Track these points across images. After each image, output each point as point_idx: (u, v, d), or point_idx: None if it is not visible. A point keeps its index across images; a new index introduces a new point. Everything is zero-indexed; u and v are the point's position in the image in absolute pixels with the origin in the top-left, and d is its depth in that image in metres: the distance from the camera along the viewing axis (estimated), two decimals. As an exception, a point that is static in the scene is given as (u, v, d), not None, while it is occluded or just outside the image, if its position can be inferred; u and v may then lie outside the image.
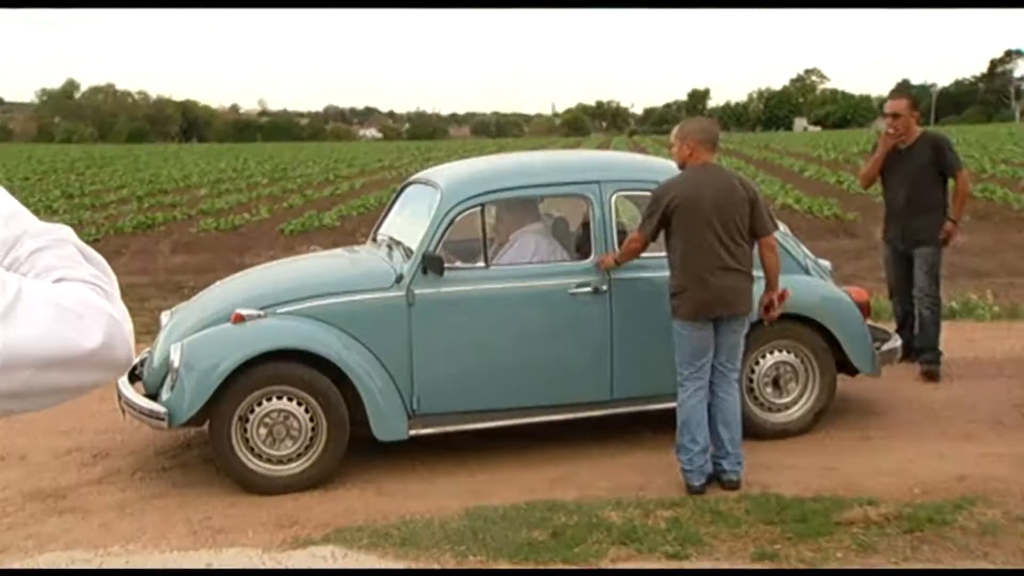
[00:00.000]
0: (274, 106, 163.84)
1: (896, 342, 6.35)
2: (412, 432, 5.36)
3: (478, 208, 5.51)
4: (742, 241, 4.99)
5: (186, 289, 11.10)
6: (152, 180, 30.69)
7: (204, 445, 5.75)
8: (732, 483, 4.99)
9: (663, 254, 5.50)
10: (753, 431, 5.50)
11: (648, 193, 5.61)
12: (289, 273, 6.31)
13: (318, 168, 37.00)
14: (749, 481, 5.03)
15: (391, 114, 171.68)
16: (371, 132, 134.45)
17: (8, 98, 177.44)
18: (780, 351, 5.81)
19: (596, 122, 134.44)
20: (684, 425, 5.01)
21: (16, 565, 4.35)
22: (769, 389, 5.79)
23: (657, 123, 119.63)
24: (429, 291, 5.36)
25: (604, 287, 5.53)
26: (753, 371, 5.77)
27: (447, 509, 4.80)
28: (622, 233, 5.67)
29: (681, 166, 5.17)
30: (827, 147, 39.65)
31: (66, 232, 1.34)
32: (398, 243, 5.72)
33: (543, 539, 4.43)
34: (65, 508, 4.97)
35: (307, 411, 5.23)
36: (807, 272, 5.98)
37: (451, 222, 5.43)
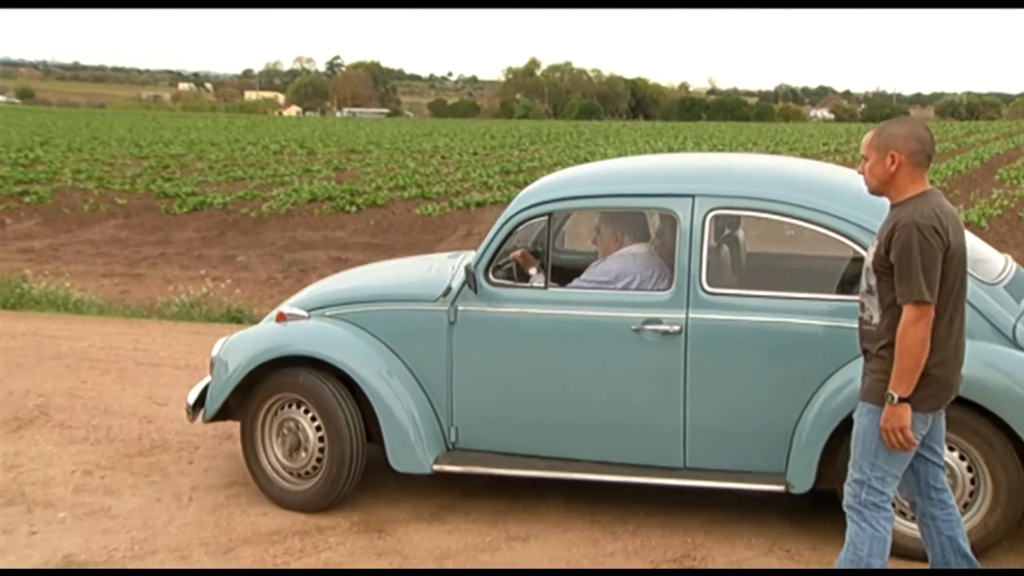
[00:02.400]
0: (724, 84, 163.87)
1: None
2: (436, 467, 4.75)
3: (543, 218, 4.77)
4: None
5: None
6: (587, 158, 31.23)
7: (555, 490, 5.05)
8: None
9: (766, 292, 4.47)
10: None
11: (760, 215, 4.58)
12: (364, 275, 5.96)
13: (757, 150, 35.77)
14: None
15: (846, 94, 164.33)
16: (822, 113, 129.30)
17: (481, 76, 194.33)
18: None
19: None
20: (875, 564, 3.52)
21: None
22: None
23: None
24: (473, 309, 4.75)
25: (678, 328, 4.44)
26: None
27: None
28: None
29: (877, 191, 3.54)
30: None
31: None
32: None
33: None
34: (386, 549, 4.53)
35: (315, 421, 4.89)
36: (1013, 340, 4.20)
37: (510, 232, 4.79)
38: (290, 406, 4.94)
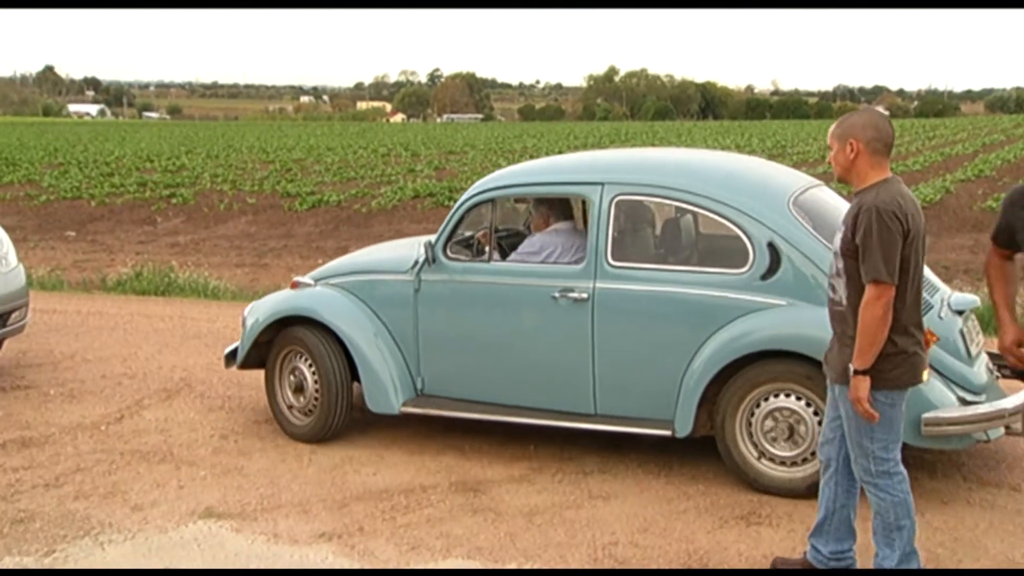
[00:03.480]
0: (786, 86, 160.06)
1: (1008, 402, 4.31)
2: (403, 409, 5.12)
3: (488, 203, 5.09)
4: None
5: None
6: (661, 156, 30.82)
7: (632, 453, 5.01)
8: None
9: (660, 266, 4.71)
10: (748, 483, 4.56)
11: (655, 199, 4.81)
12: (364, 252, 6.26)
13: (816, 146, 34.87)
14: None
15: (900, 92, 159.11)
16: (878, 111, 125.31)
17: (566, 83, 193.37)
18: (784, 395, 4.44)
19: None
20: (906, 525, 3.41)
21: (419, 566, 3.91)
22: (773, 437, 4.49)
23: None
24: (432, 279, 5.12)
25: (586, 296, 4.69)
26: (753, 414, 4.50)
27: None
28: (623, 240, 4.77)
29: (842, 178, 3.41)
30: None
31: None
32: None
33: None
34: (481, 506, 4.51)
35: (313, 370, 5.30)
36: None
37: (462, 216, 5.11)
38: (297, 356, 5.38)
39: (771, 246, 4.45)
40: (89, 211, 19.83)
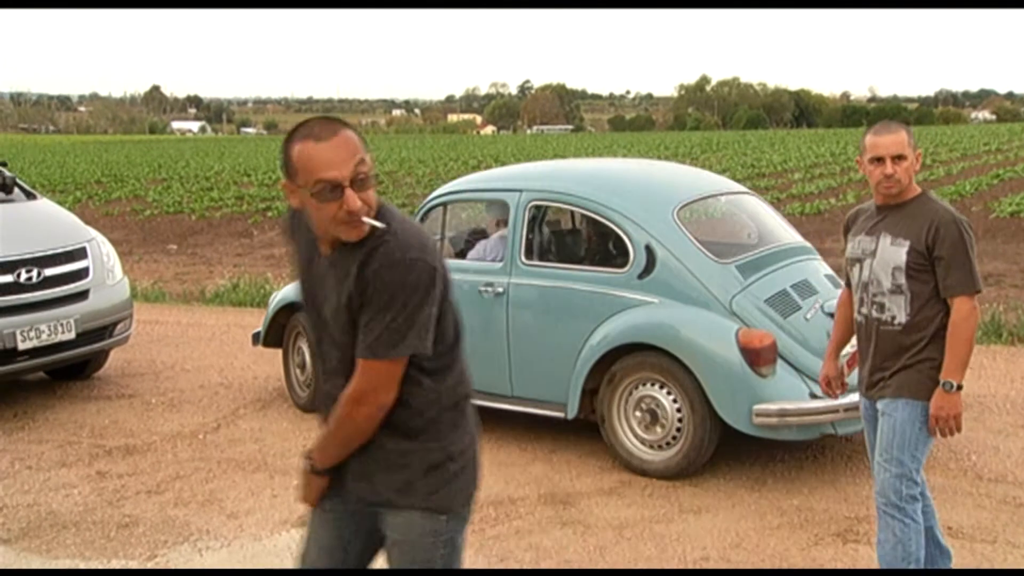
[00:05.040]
0: (884, 92, 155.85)
1: (846, 400, 4.23)
2: None
3: (440, 208, 5.73)
4: None
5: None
6: (754, 164, 30.35)
7: (724, 466, 4.92)
8: None
9: (564, 264, 5.29)
10: (628, 465, 4.98)
11: (562, 205, 5.42)
12: None
13: (918, 152, 33.75)
14: None
15: (1009, 95, 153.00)
16: (983, 115, 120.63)
17: (656, 93, 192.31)
18: (650, 385, 4.89)
19: None
20: (921, 555, 3.29)
21: (507, 578, 3.91)
22: (641, 425, 4.93)
23: None
24: None
25: (502, 290, 5.30)
26: (627, 401, 4.98)
27: None
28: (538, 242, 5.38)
29: (904, 188, 3.22)
30: None
31: None
32: None
33: None
34: (570, 519, 4.48)
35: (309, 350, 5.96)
36: (730, 310, 4.78)
37: (420, 219, 5.65)
38: (300, 338, 6.14)
39: (648, 248, 4.93)
40: (190, 224, 20.52)
